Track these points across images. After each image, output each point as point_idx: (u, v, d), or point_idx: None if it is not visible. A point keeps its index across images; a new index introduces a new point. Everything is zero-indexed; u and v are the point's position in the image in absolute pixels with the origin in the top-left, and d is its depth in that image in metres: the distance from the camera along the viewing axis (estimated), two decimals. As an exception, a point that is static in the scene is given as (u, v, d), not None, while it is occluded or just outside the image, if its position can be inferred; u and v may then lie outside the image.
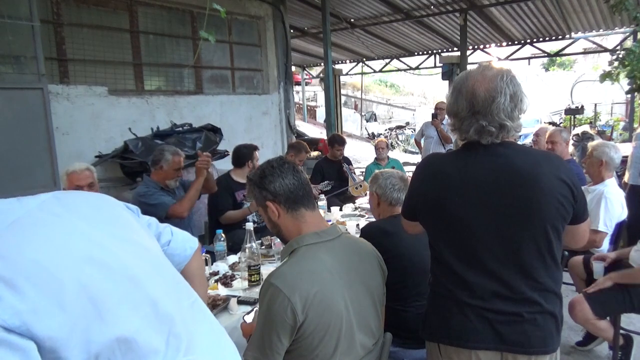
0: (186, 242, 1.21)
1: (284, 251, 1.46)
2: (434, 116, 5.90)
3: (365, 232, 2.10)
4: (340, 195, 4.67)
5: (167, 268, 0.94)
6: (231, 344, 0.99)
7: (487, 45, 10.93)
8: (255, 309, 1.79)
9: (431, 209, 1.41)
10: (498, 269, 1.32)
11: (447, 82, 9.41)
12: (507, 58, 11.30)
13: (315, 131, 14.83)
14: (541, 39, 10.21)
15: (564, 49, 11.05)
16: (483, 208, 1.31)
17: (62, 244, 0.75)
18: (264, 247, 2.79)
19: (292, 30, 9.17)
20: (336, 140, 5.00)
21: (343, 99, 16.55)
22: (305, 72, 16.64)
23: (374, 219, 2.44)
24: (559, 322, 1.37)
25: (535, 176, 1.28)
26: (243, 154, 3.62)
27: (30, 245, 0.71)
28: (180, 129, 5.45)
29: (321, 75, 15.05)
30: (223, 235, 2.72)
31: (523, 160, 1.31)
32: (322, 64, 10.86)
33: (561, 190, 1.29)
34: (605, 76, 6.45)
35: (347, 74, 15.14)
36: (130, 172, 4.85)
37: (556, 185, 1.29)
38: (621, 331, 2.59)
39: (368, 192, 2.45)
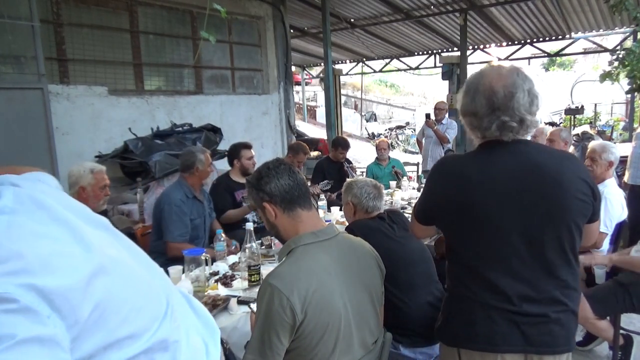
0: None
1: (282, 251, 1.47)
2: (427, 116, 5.91)
3: (350, 229, 2.14)
4: (341, 195, 4.66)
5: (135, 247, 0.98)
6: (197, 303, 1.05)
7: (487, 45, 10.93)
8: None
9: (452, 212, 1.38)
10: (524, 269, 1.31)
11: (447, 82, 9.41)
12: (507, 58, 11.28)
13: (316, 131, 14.81)
14: (541, 39, 10.21)
15: (564, 49, 11.04)
16: (508, 208, 1.30)
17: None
18: (264, 247, 2.79)
19: (292, 30, 9.17)
20: (340, 144, 4.97)
21: (343, 99, 16.53)
22: (305, 72, 16.64)
23: None
24: (577, 320, 1.39)
25: (560, 175, 1.29)
26: (230, 153, 3.62)
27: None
28: (180, 129, 5.46)
29: (321, 75, 15.05)
30: (223, 235, 2.72)
31: (546, 159, 1.32)
32: (322, 64, 10.86)
33: (583, 188, 1.30)
34: (605, 76, 6.45)
35: (347, 74, 15.13)
36: (130, 172, 4.86)
37: (578, 184, 1.30)
38: (621, 331, 2.59)
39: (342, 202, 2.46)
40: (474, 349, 1.36)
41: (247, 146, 3.62)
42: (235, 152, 3.57)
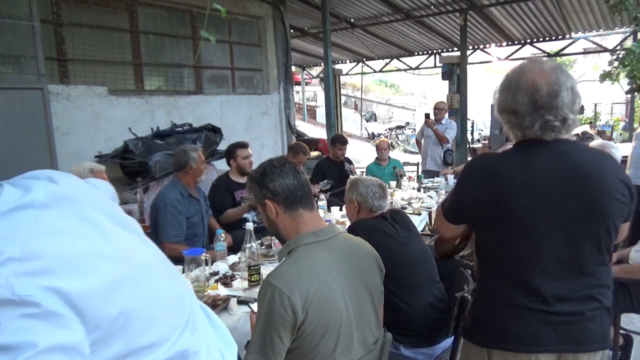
0: None
1: (282, 251, 1.47)
2: (427, 116, 5.91)
3: (352, 229, 2.12)
4: (341, 195, 4.67)
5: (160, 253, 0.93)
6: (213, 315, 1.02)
7: (487, 45, 10.93)
8: None
9: (489, 212, 1.33)
10: (561, 270, 1.29)
11: (447, 82, 9.41)
12: (507, 58, 11.30)
13: (316, 131, 14.81)
14: (541, 39, 10.22)
15: (564, 49, 11.05)
16: (547, 208, 1.27)
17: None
18: (264, 247, 2.79)
19: (292, 30, 9.17)
20: (338, 140, 4.99)
21: (343, 99, 16.55)
22: (305, 72, 16.64)
23: None
24: (611, 317, 1.38)
25: (601, 176, 1.28)
26: (226, 154, 3.64)
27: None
28: (180, 129, 5.46)
29: (321, 75, 15.06)
30: (223, 235, 2.72)
31: (587, 159, 1.30)
32: (322, 64, 10.86)
33: (622, 189, 1.30)
34: (605, 76, 6.46)
35: (347, 74, 15.14)
36: (130, 172, 4.86)
37: (618, 185, 1.29)
38: (621, 331, 2.59)
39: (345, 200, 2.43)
40: (507, 350, 1.33)
41: (243, 145, 3.61)
42: (231, 152, 3.57)
